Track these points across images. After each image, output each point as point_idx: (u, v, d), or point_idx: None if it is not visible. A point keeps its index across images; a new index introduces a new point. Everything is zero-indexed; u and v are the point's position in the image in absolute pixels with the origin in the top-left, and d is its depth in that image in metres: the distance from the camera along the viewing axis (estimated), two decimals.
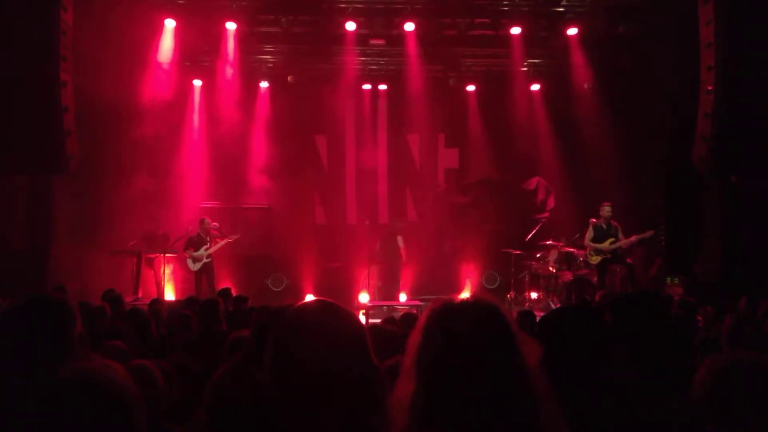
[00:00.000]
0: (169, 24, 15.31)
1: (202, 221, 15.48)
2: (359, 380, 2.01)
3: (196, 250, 15.19)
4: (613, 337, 2.91)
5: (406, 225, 17.29)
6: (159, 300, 11.30)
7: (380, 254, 16.44)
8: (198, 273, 15.23)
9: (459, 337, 2.00)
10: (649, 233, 14.02)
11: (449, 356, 1.98)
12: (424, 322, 2.09)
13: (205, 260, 15.21)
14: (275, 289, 17.00)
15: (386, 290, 16.38)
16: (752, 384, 2.24)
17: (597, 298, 10.65)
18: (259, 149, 17.68)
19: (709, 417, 2.29)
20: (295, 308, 2.12)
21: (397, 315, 11.84)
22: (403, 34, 15.90)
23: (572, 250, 15.25)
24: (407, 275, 16.63)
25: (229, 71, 16.34)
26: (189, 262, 15.29)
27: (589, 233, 14.22)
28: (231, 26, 15.60)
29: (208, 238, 15.31)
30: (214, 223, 15.62)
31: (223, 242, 15.40)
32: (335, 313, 2.09)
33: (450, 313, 2.08)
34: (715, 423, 2.27)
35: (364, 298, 15.87)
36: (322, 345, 1.99)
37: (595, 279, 14.30)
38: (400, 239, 16.31)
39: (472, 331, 2.01)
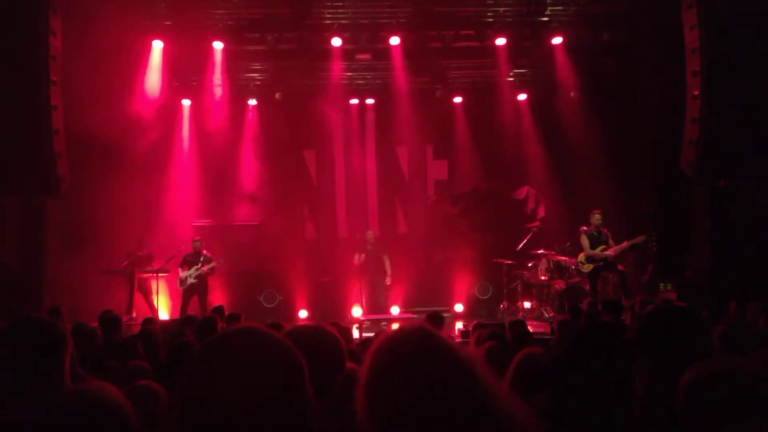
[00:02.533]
0: (157, 45, 15.36)
1: (194, 241, 15.53)
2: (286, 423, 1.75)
3: (189, 269, 15.24)
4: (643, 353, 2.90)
5: (396, 237, 17.27)
6: (152, 319, 11.28)
7: (363, 269, 16.40)
8: (186, 292, 15.21)
9: (399, 359, 1.91)
10: (640, 238, 14.04)
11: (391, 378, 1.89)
12: (365, 366, 1.97)
13: (191, 280, 15.24)
14: (268, 306, 16.99)
15: (373, 304, 16.35)
16: (734, 391, 2.26)
17: (598, 306, 10.62)
18: (249, 166, 17.75)
19: (692, 424, 2.30)
20: (204, 345, 1.85)
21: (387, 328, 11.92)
22: (388, 48, 15.92)
23: (564, 258, 15.26)
24: (399, 288, 16.65)
25: (218, 90, 16.37)
26: (178, 280, 15.35)
27: (584, 242, 14.25)
28: (218, 45, 15.64)
29: (201, 259, 15.33)
30: (205, 252, 15.60)
31: (210, 265, 15.41)
32: (250, 343, 1.81)
33: (387, 342, 1.98)
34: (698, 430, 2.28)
35: (357, 311, 15.86)
36: (232, 386, 1.71)
37: (587, 287, 14.32)
38: (386, 259, 16.31)
39: (409, 353, 1.92)
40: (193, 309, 14.72)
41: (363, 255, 16.25)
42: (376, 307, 16.13)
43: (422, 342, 1.93)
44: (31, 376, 2.74)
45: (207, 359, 1.79)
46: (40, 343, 2.83)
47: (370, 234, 16.59)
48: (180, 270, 15.30)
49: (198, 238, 15.72)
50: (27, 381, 2.72)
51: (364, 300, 16.14)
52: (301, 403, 1.79)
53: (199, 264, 15.25)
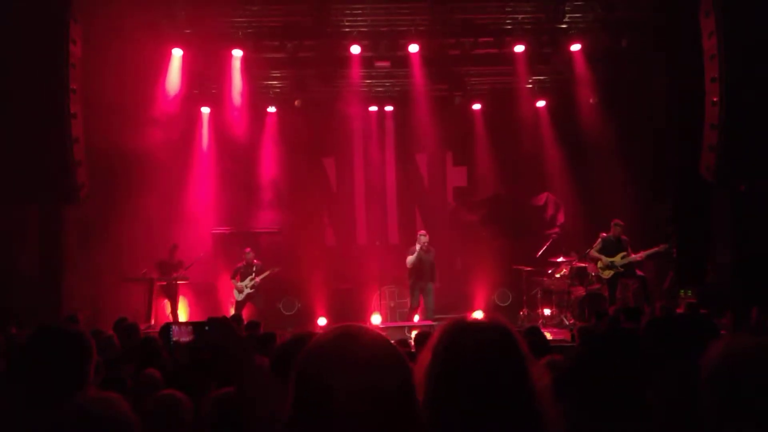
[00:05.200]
0: (177, 53, 15.45)
1: (246, 253, 15.92)
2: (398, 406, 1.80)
3: (242, 279, 15.63)
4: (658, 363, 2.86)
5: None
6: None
7: (415, 272, 15.59)
8: (241, 303, 15.52)
9: (465, 356, 2.02)
10: (662, 246, 13.95)
11: (456, 374, 1.99)
12: (435, 341, 2.10)
13: (248, 290, 15.68)
14: (287, 313, 16.98)
15: (403, 310, 16.24)
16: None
17: (610, 312, 10.59)
18: (268, 174, 17.84)
19: (721, 399, 2.21)
20: (316, 338, 1.89)
21: (411, 336, 11.88)
22: (407, 56, 15.95)
23: (584, 265, 15.19)
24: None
25: (237, 98, 16.43)
26: (235, 291, 15.77)
27: (597, 244, 14.23)
28: (237, 53, 15.70)
29: (254, 269, 15.61)
30: (256, 261, 15.91)
31: (266, 274, 15.76)
32: (366, 342, 1.84)
33: (459, 333, 2.09)
34: (728, 405, 2.20)
35: (376, 319, 15.83)
36: (349, 370, 1.76)
37: (607, 293, 14.25)
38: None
39: (478, 350, 2.02)
40: (206, 313, 14.82)
41: (415, 257, 15.39)
42: (425, 311, 15.57)
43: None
44: (53, 385, 2.74)
45: (323, 357, 1.82)
46: (63, 353, 2.84)
47: (425, 238, 15.48)
48: (234, 281, 15.81)
49: (248, 249, 16.07)
50: (49, 390, 2.72)
51: (417, 307, 15.68)
52: (411, 403, 1.82)
53: (253, 274, 15.65)
